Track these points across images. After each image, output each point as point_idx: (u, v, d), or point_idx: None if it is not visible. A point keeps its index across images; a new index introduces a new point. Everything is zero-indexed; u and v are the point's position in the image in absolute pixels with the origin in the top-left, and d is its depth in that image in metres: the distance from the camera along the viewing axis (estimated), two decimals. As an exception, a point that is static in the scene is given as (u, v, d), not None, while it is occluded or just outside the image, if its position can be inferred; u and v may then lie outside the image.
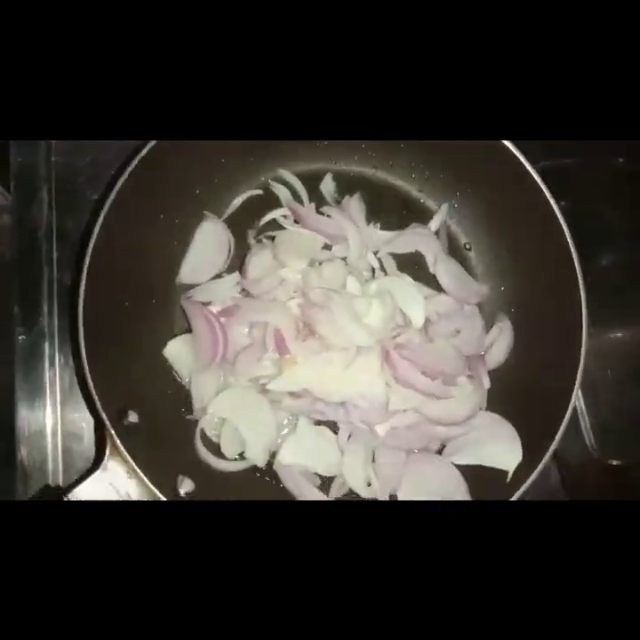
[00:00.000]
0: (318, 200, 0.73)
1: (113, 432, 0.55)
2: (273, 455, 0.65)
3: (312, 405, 0.61)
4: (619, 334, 0.82)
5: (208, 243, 0.69)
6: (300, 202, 0.73)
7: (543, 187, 0.64)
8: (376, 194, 0.74)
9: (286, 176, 0.73)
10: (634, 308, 0.80)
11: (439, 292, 0.70)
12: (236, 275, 0.68)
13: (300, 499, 0.63)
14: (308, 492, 0.63)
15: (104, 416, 0.56)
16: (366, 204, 0.72)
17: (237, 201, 0.72)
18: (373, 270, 0.71)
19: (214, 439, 0.66)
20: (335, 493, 0.65)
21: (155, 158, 0.62)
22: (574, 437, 0.78)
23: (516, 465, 0.63)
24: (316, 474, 0.65)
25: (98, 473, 0.55)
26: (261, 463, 0.64)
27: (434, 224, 0.73)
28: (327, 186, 0.74)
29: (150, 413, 0.61)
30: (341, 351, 0.60)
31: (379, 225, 0.72)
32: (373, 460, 0.65)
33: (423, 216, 0.74)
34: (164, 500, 0.55)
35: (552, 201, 0.64)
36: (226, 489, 0.62)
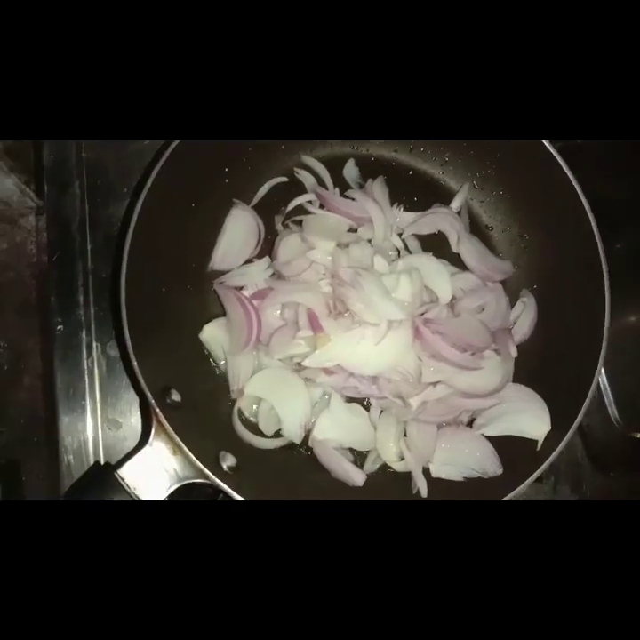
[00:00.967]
0: (342, 185, 0.75)
1: (158, 410, 0.58)
2: (308, 431, 0.67)
3: (346, 381, 0.63)
4: (637, 316, 0.84)
5: (238, 229, 0.71)
6: (325, 187, 0.75)
7: (565, 166, 0.66)
8: (398, 176, 0.76)
9: (310, 162, 0.75)
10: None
11: (463, 271, 0.72)
12: (266, 259, 0.71)
13: (335, 472, 0.65)
14: (343, 466, 0.65)
15: (149, 395, 0.58)
16: (389, 187, 0.74)
17: (264, 188, 0.74)
18: (398, 251, 0.73)
19: (252, 419, 0.68)
20: (370, 467, 0.67)
21: (184, 151, 0.64)
22: (598, 411, 0.80)
23: (545, 434, 0.64)
24: (349, 449, 0.68)
25: (145, 449, 0.57)
26: (298, 439, 0.66)
27: (456, 203, 0.75)
28: (350, 171, 0.76)
29: (191, 393, 0.63)
30: (373, 327, 0.62)
31: (402, 207, 0.74)
32: (405, 435, 0.67)
33: (445, 197, 0.76)
34: (210, 473, 0.57)
35: (574, 180, 0.66)
36: (266, 463, 0.65)
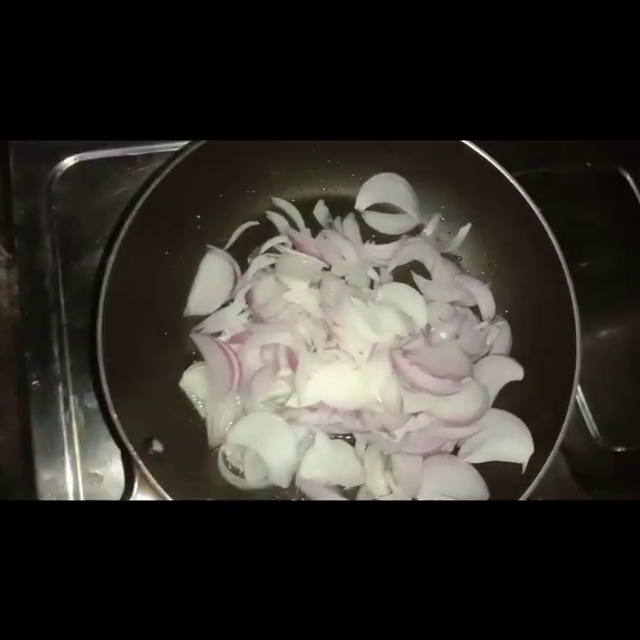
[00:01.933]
0: (314, 225, 0.77)
1: (140, 462, 0.57)
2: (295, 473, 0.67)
3: (330, 418, 0.64)
4: (608, 331, 0.86)
5: (213, 274, 0.72)
6: (297, 228, 0.76)
7: (523, 193, 0.69)
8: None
9: (281, 203, 0.77)
10: (621, 305, 0.85)
11: (435, 300, 0.74)
12: (241, 302, 0.71)
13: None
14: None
15: (130, 447, 0.57)
16: (359, 223, 0.76)
17: (237, 232, 0.76)
18: (372, 283, 0.75)
19: (237, 465, 0.67)
20: None
21: (155, 199, 0.65)
22: (578, 429, 0.81)
23: (528, 456, 0.65)
24: (338, 486, 0.67)
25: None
26: (285, 484, 0.65)
27: (429, 230, 0.77)
28: (320, 212, 0.78)
29: (173, 442, 0.63)
30: (352, 360, 0.63)
31: (374, 241, 0.76)
32: (391, 469, 0.67)
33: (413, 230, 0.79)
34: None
35: (533, 206, 0.69)
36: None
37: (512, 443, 0.66)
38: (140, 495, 0.57)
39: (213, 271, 0.72)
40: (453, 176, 0.74)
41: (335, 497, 0.65)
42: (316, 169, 0.77)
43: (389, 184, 0.77)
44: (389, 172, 0.77)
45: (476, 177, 0.72)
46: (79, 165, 0.81)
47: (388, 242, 0.77)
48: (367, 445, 0.67)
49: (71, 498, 0.70)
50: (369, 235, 0.78)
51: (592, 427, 0.82)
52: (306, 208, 0.78)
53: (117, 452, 0.71)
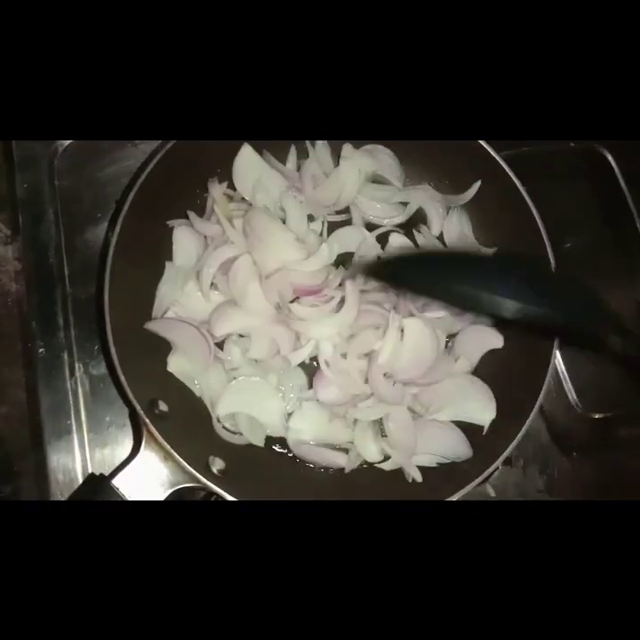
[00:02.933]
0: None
1: (147, 420, 0.60)
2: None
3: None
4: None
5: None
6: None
7: (511, 173, 0.72)
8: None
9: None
10: (604, 283, 0.88)
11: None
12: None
13: (318, 463, 0.69)
14: (324, 455, 0.69)
15: (138, 407, 0.61)
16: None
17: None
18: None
19: (233, 428, 0.71)
20: (351, 464, 0.70)
21: (157, 173, 0.67)
22: (559, 398, 0.86)
23: (490, 421, 0.70)
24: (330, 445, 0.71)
25: (137, 458, 0.60)
26: (284, 432, 0.69)
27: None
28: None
29: (177, 403, 0.67)
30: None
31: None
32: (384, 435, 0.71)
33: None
34: (200, 479, 0.60)
35: (519, 184, 0.72)
36: (254, 463, 0.68)
37: (477, 407, 0.71)
38: (146, 452, 0.61)
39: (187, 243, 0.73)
40: (439, 155, 0.77)
41: (324, 450, 0.69)
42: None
43: (376, 156, 0.79)
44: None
45: (464, 157, 0.74)
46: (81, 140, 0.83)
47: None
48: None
49: (78, 458, 0.74)
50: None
51: (571, 395, 0.86)
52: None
53: (122, 415, 0.75)
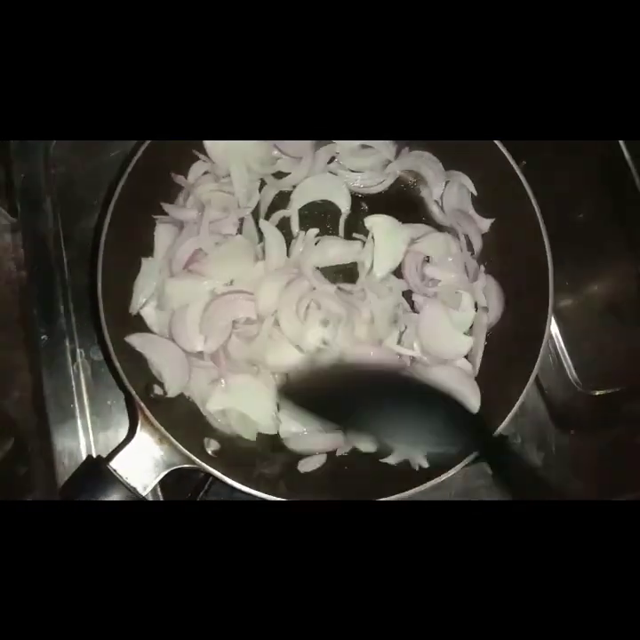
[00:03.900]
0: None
1: (142, 404, 0.62)
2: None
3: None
4: (590, 285, 0.89)
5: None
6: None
7: (504, 150, 0.71)
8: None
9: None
10: (602, 260, 0.87)
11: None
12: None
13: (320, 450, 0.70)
14: (326, 443, 0.70)
15: (132, 391, 0.62)
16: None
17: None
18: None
19: (224, 429, 0.70)
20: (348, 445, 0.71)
21: (147, 160, 0.68)
22: (558, 375, 0.86)
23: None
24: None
25: (133, 441, 0.62)
26: (275, 431, 0.70)
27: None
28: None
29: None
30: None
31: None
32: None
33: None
34: (195, 460, 0.62)
35: (512, 161, 0.71)
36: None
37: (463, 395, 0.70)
38: (142, 435, 0.63)
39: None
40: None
41: (317, 434, 0.70)
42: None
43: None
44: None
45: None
46: (75, 128, 0.83)
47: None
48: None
49: (83, 441, 0.76)
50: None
51: (571, 372, 0.86)
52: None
53: (122, 398, 0.77)
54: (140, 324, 0.71)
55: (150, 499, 0.62)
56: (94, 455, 0.75)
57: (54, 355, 0.79)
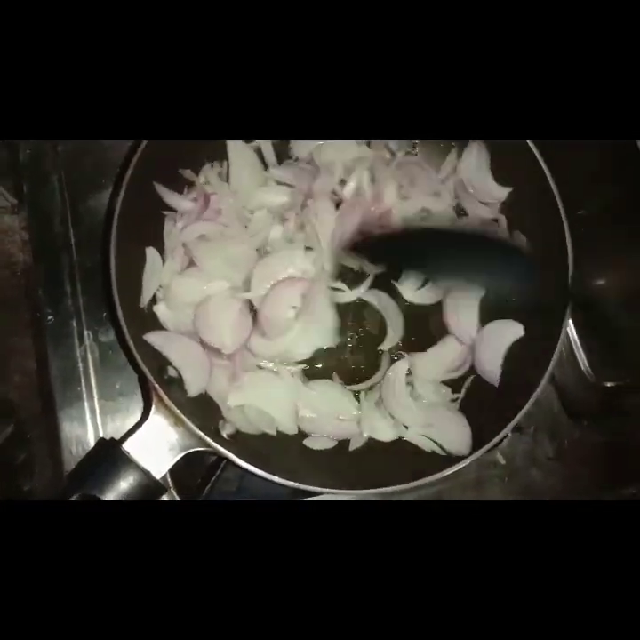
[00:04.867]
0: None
1: (156, 385, 0.60)
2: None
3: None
4: (604, 275, 0.89)
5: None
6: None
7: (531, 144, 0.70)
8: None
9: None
10: (617, 251, 0.87)
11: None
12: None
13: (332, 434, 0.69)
14: (344, 429, 0.70)
15: (147, 372, 0.61)
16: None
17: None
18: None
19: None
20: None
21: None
22: (571, 367, 0.85)
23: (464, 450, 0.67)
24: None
25: (147, 423, 0.60)
26: (294, 431, 0.69)
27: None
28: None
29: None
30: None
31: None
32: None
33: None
34: (210, 443, 0.60)
35: (534, 149, 0.70)
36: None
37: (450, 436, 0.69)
38: (156, 417, 0.61)
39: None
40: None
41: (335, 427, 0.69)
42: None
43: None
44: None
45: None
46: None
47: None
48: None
49: (90, 424, 0.74)
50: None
51: (583, 363, 0.86)
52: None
53: (132, 381, 0.75)
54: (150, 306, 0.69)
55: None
56: (100, 437, 0.74)
57: (61, 336, 0.77)
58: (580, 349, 0.86)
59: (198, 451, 0.60)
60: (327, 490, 0.61)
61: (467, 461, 0.64)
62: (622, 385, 0.86)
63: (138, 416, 0.73)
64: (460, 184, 0.78)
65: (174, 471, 0.62)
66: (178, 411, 0.60)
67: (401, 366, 0.70)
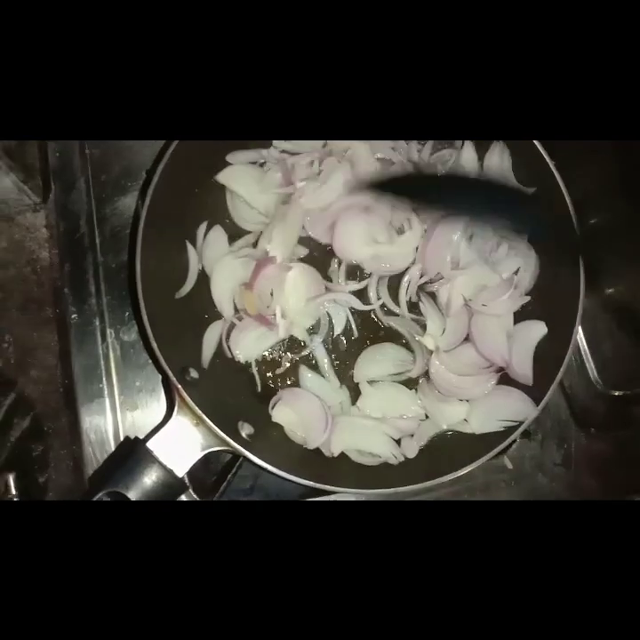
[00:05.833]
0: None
1: (179, 386, 0.63)
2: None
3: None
4: (613, 286, 0.90)
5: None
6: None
7: (540, 148, 0.72)
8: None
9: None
10: (627, 262, 0.88)
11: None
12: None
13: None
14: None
15: (170, 373, 0.63)
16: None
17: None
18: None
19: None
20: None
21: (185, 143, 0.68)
22: (580, 375, 0.87)
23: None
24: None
25: (170, 423, 0.62)
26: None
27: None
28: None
29: (207, 370, 0.69)
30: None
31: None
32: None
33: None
34: (231, 443, 0.62)
35: (548, 158, 0.72)
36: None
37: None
38: (179, 417, 0.63)
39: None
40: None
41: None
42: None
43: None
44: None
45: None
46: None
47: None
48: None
49: (110, 420, 0.77)
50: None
51: (592, 372, 0.87)
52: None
53: (151, 380, 0.77)
54: (179, 308, 0.71)
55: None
56: (122, 435, 0.76)
57: (84, 334, 0.79)
58: (590, 357, 0.88)
59: (218, 450, 0.63)
60: (342, 489, 0.64)
61: (477, 464, 0.66)
62: (630, 394, 0.87)
63: (156, 413, 0.76)
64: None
65: (191, 470, 0.64)
66: (200, 411, 0.62)
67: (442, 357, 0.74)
